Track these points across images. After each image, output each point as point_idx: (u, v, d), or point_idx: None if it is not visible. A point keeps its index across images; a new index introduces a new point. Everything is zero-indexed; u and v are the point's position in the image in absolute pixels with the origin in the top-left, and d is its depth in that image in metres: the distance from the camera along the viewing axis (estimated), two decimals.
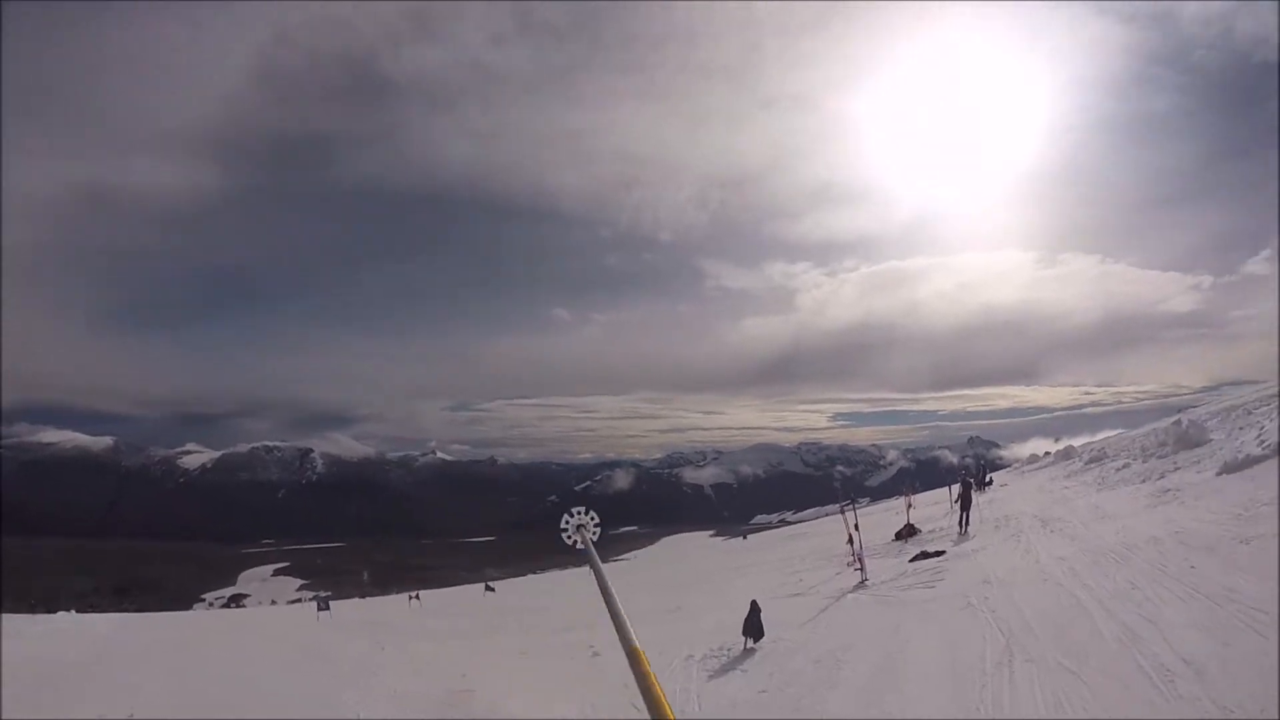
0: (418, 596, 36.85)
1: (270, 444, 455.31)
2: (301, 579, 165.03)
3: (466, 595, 39.92)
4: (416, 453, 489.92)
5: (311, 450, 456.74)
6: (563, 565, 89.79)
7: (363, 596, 67.04)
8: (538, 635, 17.26)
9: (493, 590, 38.93)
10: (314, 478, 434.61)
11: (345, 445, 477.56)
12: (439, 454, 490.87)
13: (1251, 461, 17.51)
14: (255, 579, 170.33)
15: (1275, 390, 32.36)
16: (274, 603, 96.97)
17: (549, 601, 28.90)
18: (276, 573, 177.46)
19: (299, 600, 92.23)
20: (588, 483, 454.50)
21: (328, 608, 28.24)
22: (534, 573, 77.96)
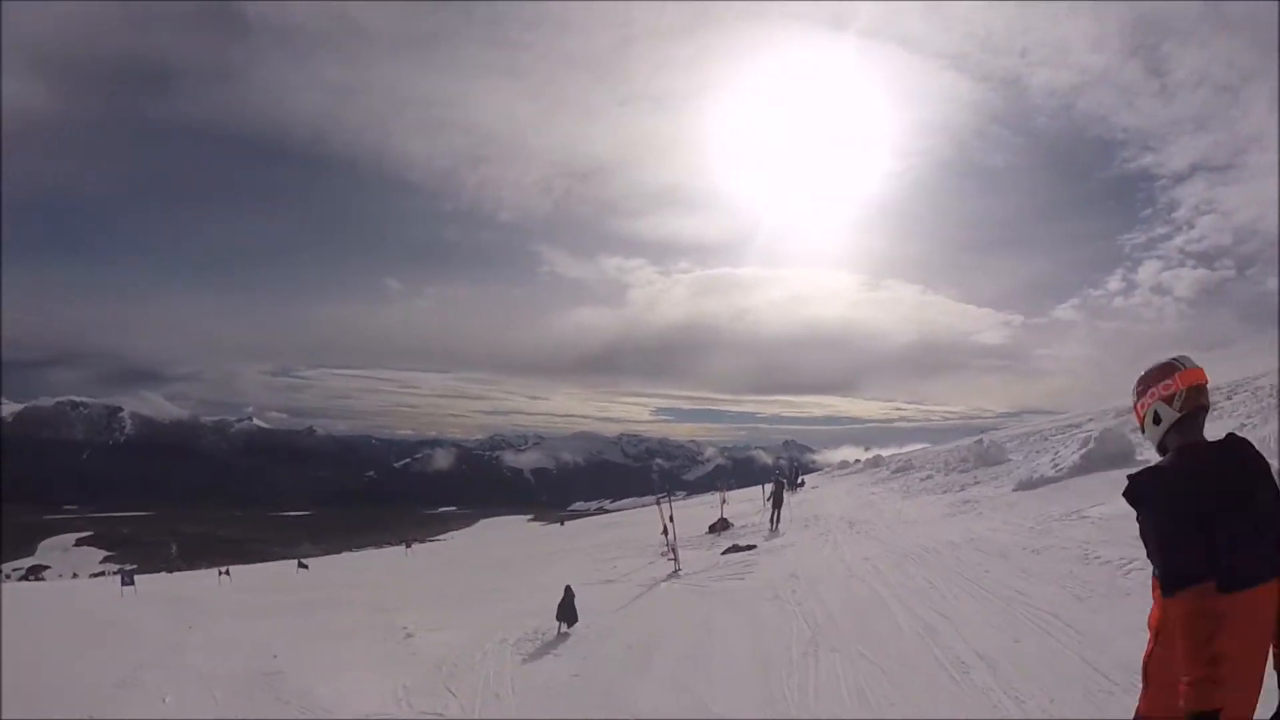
0: (228, 572, 35.14)
1: (77, 399, 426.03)
2: (106, 550, 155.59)
3: (279, 572, 38.34)
4: (232, 418, 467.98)
5: (121, 409, 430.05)
6: (379, 544, 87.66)
7: (170, 571, 63.61)
8: (351, 615, 16.60)
9: (306, 568, 37.65)
10: (122, 439, 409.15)
11: (157, 405, 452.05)
12: (256, 421, 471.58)
13: (1044, 481, 18.94)
14: (56, 549, 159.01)
15: (1071, 420, 34.93)
16: (76, 576, 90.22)
17: (364, 580, 28.00)
18: (79, 542, 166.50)
19: (103, 573, 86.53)
20: (408, 460, 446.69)
21: (132, 582, 26.36)
22: (350, 550, 75.73)
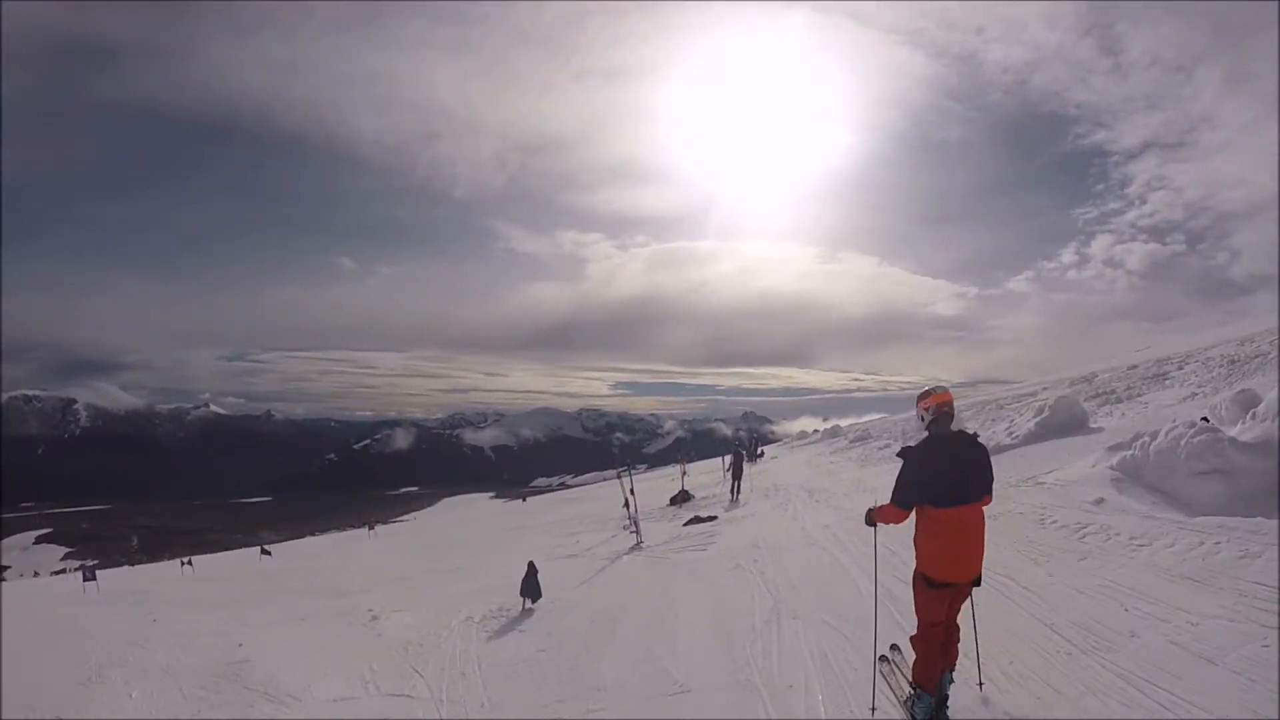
0: (190, 562, 34.49)
1: (29, 393, 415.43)
2: (66, 547, 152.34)
3: (241, 560, 37.70)
4: (188, 405, 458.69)
5: (75, 401, 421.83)
6: (341, 527, 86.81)
7: (132, 564, 62.25)
8: (315, 600, 16.37)
9: (269, 554, 37.02)
10: (77, 432, 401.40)
11: (112, 396, 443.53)
12: (212, 407, 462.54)
13: (1001, 449, 19.27)
14: (16, 548, 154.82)
15: (1025, 390, 35.53)
16: (36, 574, 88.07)
17: (327, 564, 27.66)
18: (39, 540, 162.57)
19: (64, 570, 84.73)
20: (367, 441, 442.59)
21: (94, 578, 25.73)
22: (312, 534, 74.78)
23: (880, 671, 6.70)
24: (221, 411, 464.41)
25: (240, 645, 11.58)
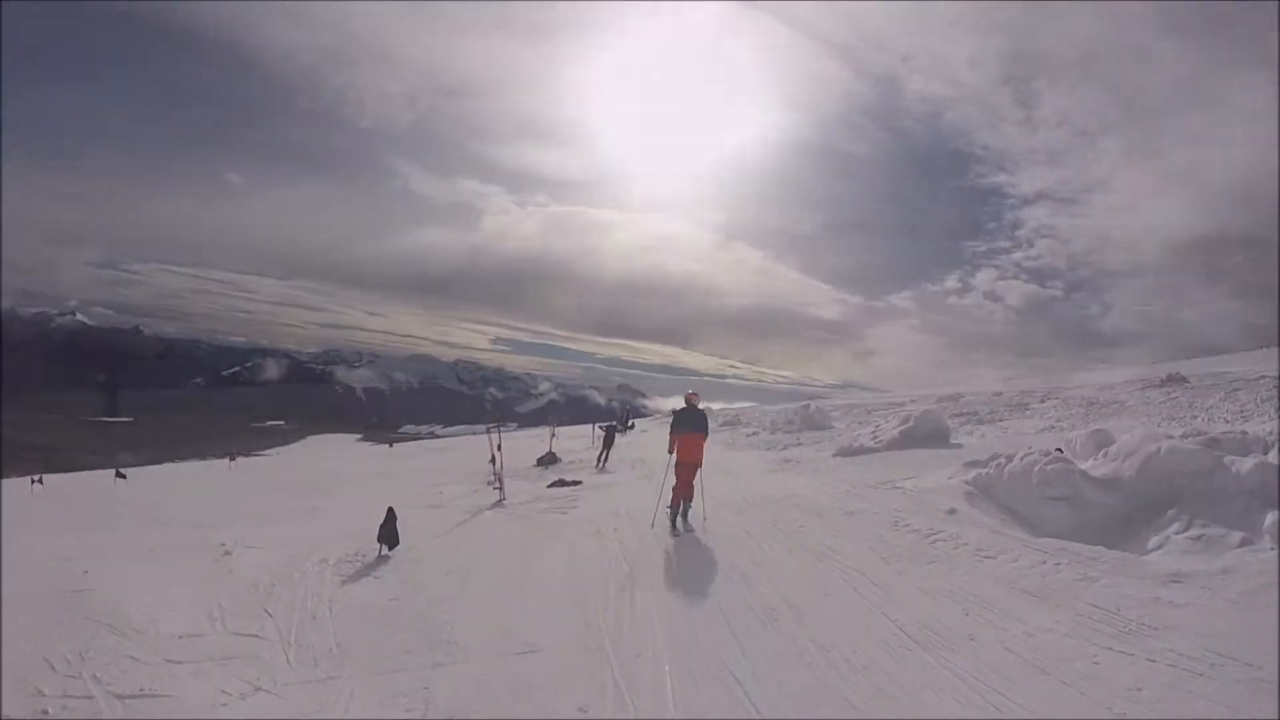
0: (40, 480, 32.53)
1: None
2: None
3: (96, 481, 35.79)
4: (53, 311, 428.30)
5: None
6: (202, 455, 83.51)
7: None
8: (168, 530, 15.52)
9: (124, 477, 35.23)
10: None
11: None
12: (79, 316, 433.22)
13: (864, 451, 20.00)
14: None
15: (894, 399, 36.98)
16: None
17: (184, 494, 26.49)
18: None
19: None
20: (237, 368, 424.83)
21: None
22: (172, 460, 71.67)
23: (660, 515, 12.44)
24: (88, 322, 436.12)
25: (86, 572, 10.92)
